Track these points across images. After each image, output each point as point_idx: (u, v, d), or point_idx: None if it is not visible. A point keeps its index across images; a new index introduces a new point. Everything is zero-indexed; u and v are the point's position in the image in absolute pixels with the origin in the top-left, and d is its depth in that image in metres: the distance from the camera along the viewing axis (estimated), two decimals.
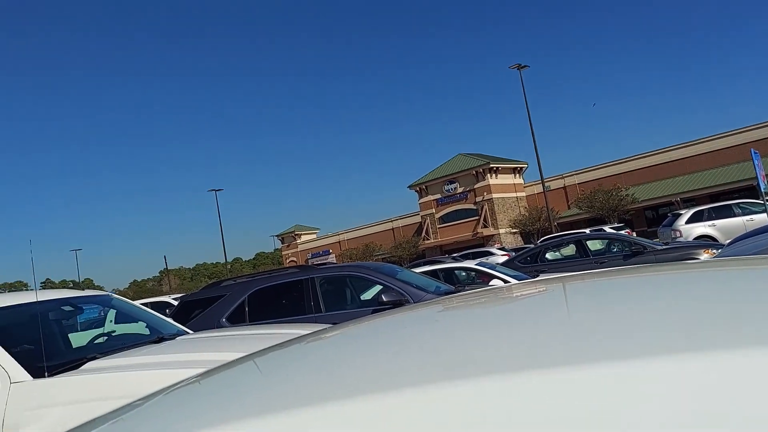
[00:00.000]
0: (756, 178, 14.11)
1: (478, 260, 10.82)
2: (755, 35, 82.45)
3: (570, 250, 12.37)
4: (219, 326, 6.10)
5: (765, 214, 14.26)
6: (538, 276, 8.35)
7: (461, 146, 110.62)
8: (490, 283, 8.12)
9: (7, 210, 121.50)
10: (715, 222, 16.12)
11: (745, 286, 0.95)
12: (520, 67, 33.67)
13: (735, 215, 16.17)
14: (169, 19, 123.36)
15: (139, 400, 1.05)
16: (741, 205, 16.63)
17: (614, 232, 17.39)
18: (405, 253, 49.93)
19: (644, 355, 0.58)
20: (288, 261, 66.32)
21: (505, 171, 48.00)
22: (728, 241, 7.79)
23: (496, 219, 46.06)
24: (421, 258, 40.28)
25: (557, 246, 12.62)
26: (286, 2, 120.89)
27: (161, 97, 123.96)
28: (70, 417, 2.79)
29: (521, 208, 47.04)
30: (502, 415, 0.54)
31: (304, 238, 68.44)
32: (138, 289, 79.47)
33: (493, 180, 46.75)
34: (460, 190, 48.84)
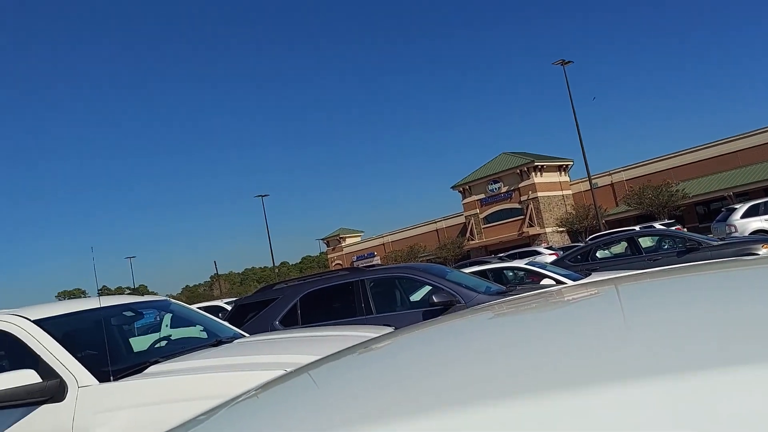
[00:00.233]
0: None
1: (527, 260, 10.61)
2: None
3: (621, 247, 12.02)
4: (272, 329, 6.18)
5: None
6: (590, 275, 8.11)
7: (504, 145, 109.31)
8: (542, 283, 7.93)
9: (65, 219, 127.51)
10: None
11: None
12: (563, 63, 32.99)
13: None
14: (223, 26, 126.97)
15: (227, 402, 1.03)
16: None
17: (665, 228, 16.77)
18: (450, 254, 49.61)
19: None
20: (334, 264, 66.97)
21: (550, 169, 47.06)
22: None
23: (542, 218, 45.21)
24: (465, 259, 39.90)
25: (608, 244, 12.26)
26: (331, 7, 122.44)
27: (210, 106, 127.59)
28: (137, 420, 2.85)
29: (567, 207, 46.01)
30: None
31: (348, 241, 68.95)
32: (190, 294, 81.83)
33: (537, 178, 45.91)
34: (504, 189, 48.19)
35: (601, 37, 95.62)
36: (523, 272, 9.47)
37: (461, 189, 51.51)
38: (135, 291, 69.75)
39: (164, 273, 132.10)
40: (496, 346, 0.88)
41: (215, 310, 13.83)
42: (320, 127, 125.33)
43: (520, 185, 46.81)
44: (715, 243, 10.42)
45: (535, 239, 43.74)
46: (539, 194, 45.53)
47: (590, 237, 25.03)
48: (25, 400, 2.92)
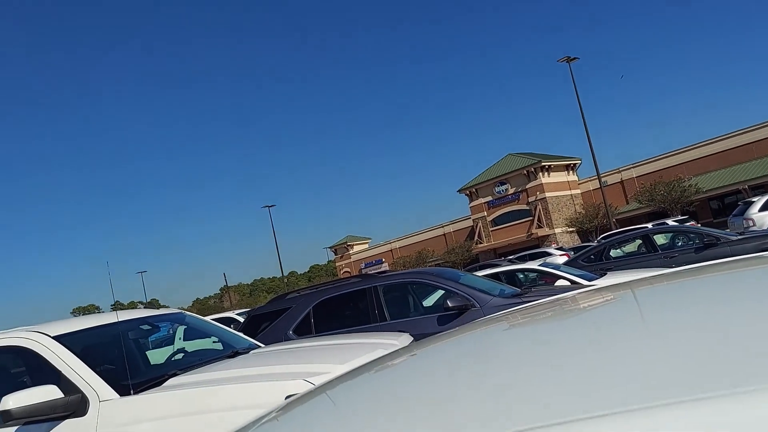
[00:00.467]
0: None
1: (541, 261, 10.54)
2: None
3: (636, 246, 11.85)
4: (286, 338, 6.17)
5: None
6: (605, 274, 8.05)
7: (510, 146, 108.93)
8: (556, 284, 7.88)
9: (76, 235, 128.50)
10: None
11: None
12: (569, 59, 32.44)
13: None
14: (228, 36, 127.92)
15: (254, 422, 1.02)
16: None
17: (680, 225, 16.59)
18: (458, 257, 49.46)
19: None
20: (342, 272, 66.97)
21: (558, 168, 46.87)
22: None
23: (550, 218, 45.00)
24: (474, 262, 39.82)
25: (622, 242, 12.10)
26: (328, 8, 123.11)
27: (211, 112, 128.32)
28: None
29: (577, 206, 45.78)
30: None
31: (356, 248, 68.97)
32: (201, 307, 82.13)
33: (545, 178, 45.73)
34: (511, 191, 48.04)
35: (608, 32, 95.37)
36: (535, 274, 9.42)
37: (468, 192, 51.41)
38: (148, 305, 70.05)
39: (174, 287, 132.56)
40: (545, 363, 0.81)
41: (227, 322, 13.84)
42: (323, 135, 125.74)
43: (527, 186, 46.65)
44: (735, 238, 10.11)
45: (544, 240, 43.52)
46: (547, 194, 45.33)
47: (601, 236, 24.85)
48: (48, 416, 2.94)
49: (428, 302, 6.99)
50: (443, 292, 6.20)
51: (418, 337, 4.09)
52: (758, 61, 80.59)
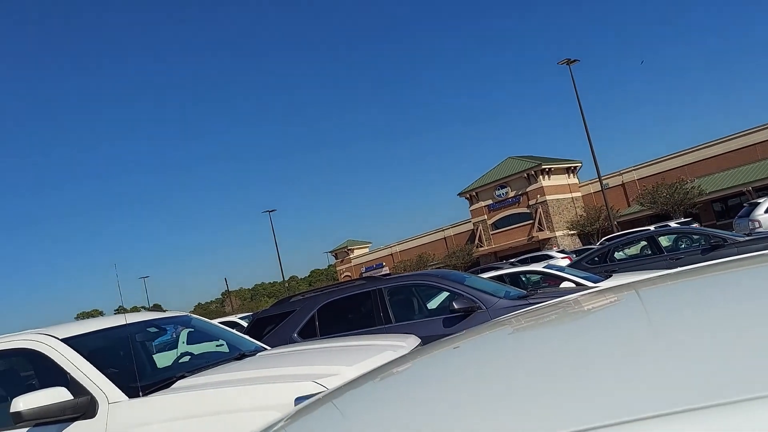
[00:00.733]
0: None
1: (545, 263, 10.53)
2: None
3: (641, 248, 11.81)
4: (291, 341, 6.15)
5: None
6: (611, 276, 8.03)
7: (510, 149, 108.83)
8: (561, 286, 7.86)
9: (79, 241, 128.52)
10: None
11: None
12: (569, 62, 32.27)
13: None
14: (225, 41, 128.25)
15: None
16: None
17: (686, 226, 16.54)
18: (459, 261, 49.43)
19: None
20: (343, 276, 66.91)
21: (558, 171, 46.87)
22: None
23: (551, 221, 44.97)
24: (475, 266, 39.72)
25: (627, 244, 12.06)
26: (318, 19, 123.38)
27: (211, 117, 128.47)
28: None
29: (578, 209, 45.76)
30: None
31: (356, 252, 68.92)
32: (203, 312, 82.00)
33: (545, 181, 45.72)
34: (511, 194, 48.04)
35: (608, 35, 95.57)
36: (539, 276, 9.39)
37: (468, 196, 51.41)
38: (152, 310, 69.96)
39: (176, 291, 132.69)
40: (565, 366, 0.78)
41: (230, 326, 13.82)
42: (323, 140, 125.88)
43: (527, 189, 46.65)
44: (742, 239, 10.04)
45: (545, 243, 43.50)
46: (548, 197, 45.32)
47: (604, 238, 24.83)
48: (58, 418, 2.94)
49: (433, 304, 6.97)
50: (449, 294, 6.18)
51: (424, 340, 4.07)
52: (761, 62, 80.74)
